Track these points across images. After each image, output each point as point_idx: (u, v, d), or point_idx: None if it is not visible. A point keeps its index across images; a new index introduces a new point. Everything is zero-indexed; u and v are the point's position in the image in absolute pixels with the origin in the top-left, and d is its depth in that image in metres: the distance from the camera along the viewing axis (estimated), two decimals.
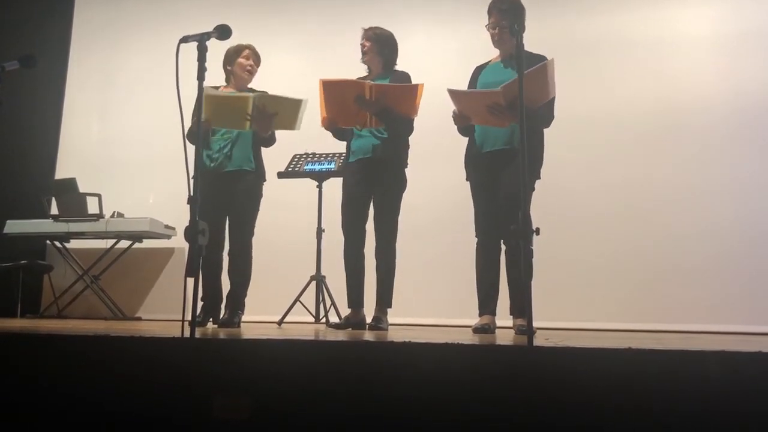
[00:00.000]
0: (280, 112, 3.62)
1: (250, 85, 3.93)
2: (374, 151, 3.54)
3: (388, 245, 3.52)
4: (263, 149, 3.90)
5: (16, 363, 2.24)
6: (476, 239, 3.36)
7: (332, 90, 3.46)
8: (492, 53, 3.48)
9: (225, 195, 3.69)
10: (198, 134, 2.53)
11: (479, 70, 3.47)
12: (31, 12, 6.08)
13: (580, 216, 4.85)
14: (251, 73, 3.88)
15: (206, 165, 3.69)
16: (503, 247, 3.29)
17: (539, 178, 3.27)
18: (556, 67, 3.09)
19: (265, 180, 3.88)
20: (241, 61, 3.85)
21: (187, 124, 2.75)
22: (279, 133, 3.82)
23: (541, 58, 3.27)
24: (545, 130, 3.34)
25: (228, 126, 3.72)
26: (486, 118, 3.15)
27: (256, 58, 3.91)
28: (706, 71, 4.88)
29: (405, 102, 3.43)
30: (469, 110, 3.21)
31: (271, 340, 2.22)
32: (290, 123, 3.68)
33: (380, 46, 3.61)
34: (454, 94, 3.19)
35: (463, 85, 3.44)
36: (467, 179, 3.42)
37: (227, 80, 3.93)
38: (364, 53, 3.63)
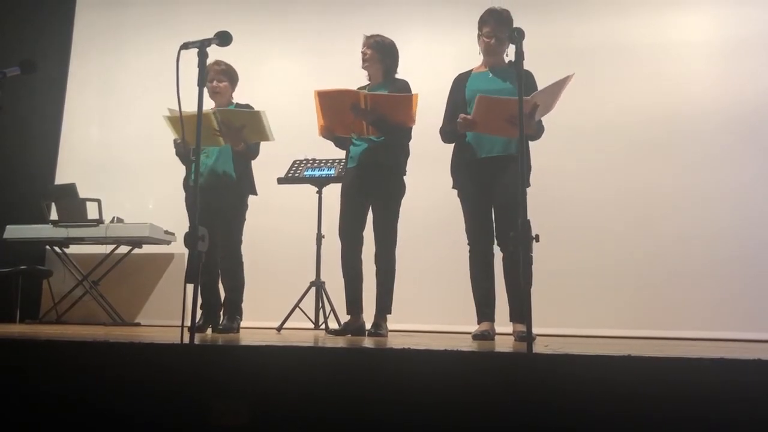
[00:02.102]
0: (247, 125, 3.67)
1: (234, 100, 4.00)
2: (373, 157, 3.54)
3: (387, 251, 3.52)
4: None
5: (15, 368, 2.24)
6: (468, 247, 3.35)
7: (328, 100, 3.47)
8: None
9: (210, 207, 3.70)
10: (198, 150, 2.59)
11: (464, 78, 3.45)
12: (32, 17, 6.09)
13: (580, 223, 4.86)
14: (218, 92, 3.92)
15: (191, 179, 3.73)
16: (496, 253, 3.30)
17: (529, 185, 3.27)
18: (555, 75, 3.10)
19: (252, 192, 3.94)
20: (208, 86, 3.88)
21: (187, 131, 2.79)
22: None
23: (527, 72, 3.25)
24: (544, 134, 3.34)
25: (203, 143, 3.76)
26: (499, 127, 3.12)
27: (223, 75, 3.93)
28: (703, 77, 4.90)
29: (401, 111, 3.44)
30: (484, 118, 3.16)
31: (270, 347, 2.21)
32: (262, 134, 3.74)
33: (381, 54, 3.62)
34: (482, 100, 3.12)
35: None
36: (454, 187, 3.42)
37: None
38: (364, 60, 3.64)
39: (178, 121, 3.57)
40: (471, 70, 3.48)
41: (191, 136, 3.63)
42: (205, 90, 3.03)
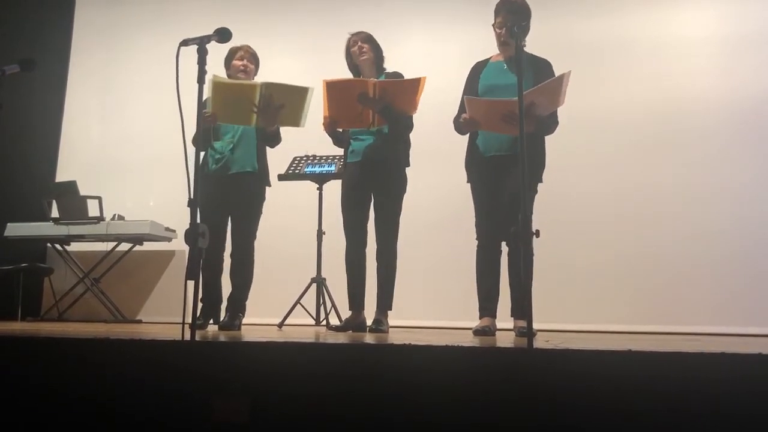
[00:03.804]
0: (287, 104, 3.56)
1: None
2: (373, 153, 3.54)
3: (388, 247, 3.52)
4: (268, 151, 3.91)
5: (17, 366, 2.25)
6: (476, 242, 3.36)
7: (336, 90, 3.45)
8: (492, 53, 3.48)
9: (227, 197, 3.69)
10: (198, 150, 2.58)
11: (480, 67, 3.45)
12: (32, 15, 6.09)
13: (582, 219, 4.86)
14: (245, 72, 3.84)
15: (209, 167, 3.70)
16: (503, 249, 3.30)
17: (541, 181, 3.28)
18: (558, 71, 3.10)
19: (269, 184, 3.87)
20: (235, 63, 3.85)
21: (188, 126, 2.76)
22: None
23: (545, 62, 3.26)
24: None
25: (234, 121, 3.69)
26: (498, 125, 3.12)
27: (252, 58, 3.89)
28: (706, 74, 4.89)
29: (407, 98, 3.43)
30: (481, 118, 3.18)
31: (271, 343, 2.22)
32: (296, 117, 3.60)
33: (375, 48, 3.64)
34: (471, 102, 3.16)
35: (462, 84, 3.45)
36: (468, 181, 3.43)
37: None
38: (362, 54, 3.63)
39: (221, 88, 3.48)
40: (489, 59, 3.47)
41: (227, 111, 3.57)
42: (206, 82, 2.96)
